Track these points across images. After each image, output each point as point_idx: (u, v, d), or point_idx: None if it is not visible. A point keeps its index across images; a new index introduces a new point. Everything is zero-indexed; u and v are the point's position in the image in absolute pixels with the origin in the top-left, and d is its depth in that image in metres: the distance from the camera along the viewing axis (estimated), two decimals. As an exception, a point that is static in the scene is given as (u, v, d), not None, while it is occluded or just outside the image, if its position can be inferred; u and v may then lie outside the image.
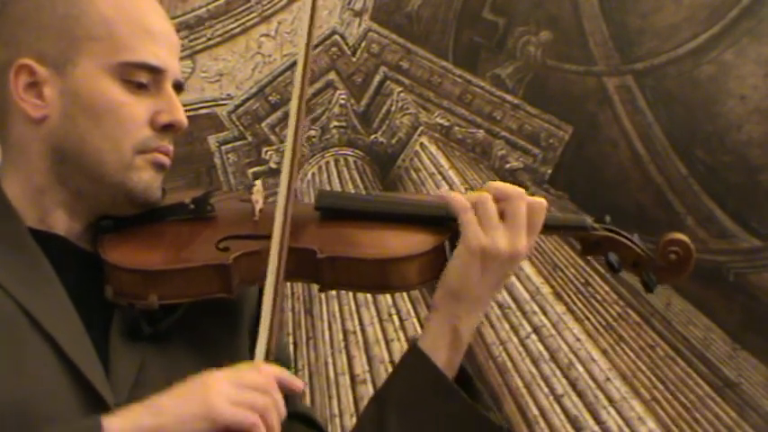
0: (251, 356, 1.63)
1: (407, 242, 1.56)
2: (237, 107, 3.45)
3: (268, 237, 1.52)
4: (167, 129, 1.57)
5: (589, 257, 1.73)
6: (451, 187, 3.31)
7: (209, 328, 1.61)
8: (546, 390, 3.12)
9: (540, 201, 1.60)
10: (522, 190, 1.59)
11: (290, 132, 1.54)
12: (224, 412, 1.39)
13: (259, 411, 1.40)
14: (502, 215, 1.57)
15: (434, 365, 1.56)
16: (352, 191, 3.29)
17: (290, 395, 1.71)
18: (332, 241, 1.56)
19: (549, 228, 1.62)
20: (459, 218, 1.57)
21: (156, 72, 1.56)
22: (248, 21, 3.45)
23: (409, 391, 1.58)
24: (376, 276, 1.55)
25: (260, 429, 1.39)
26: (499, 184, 1.61)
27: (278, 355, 1.67)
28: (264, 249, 1.50)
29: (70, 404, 1.46)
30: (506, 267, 1.58)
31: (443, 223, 1.60)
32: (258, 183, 1.64)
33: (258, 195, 1.62)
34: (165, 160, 1.58)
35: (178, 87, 1.61)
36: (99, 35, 1.55)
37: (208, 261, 1.52)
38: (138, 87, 1.56)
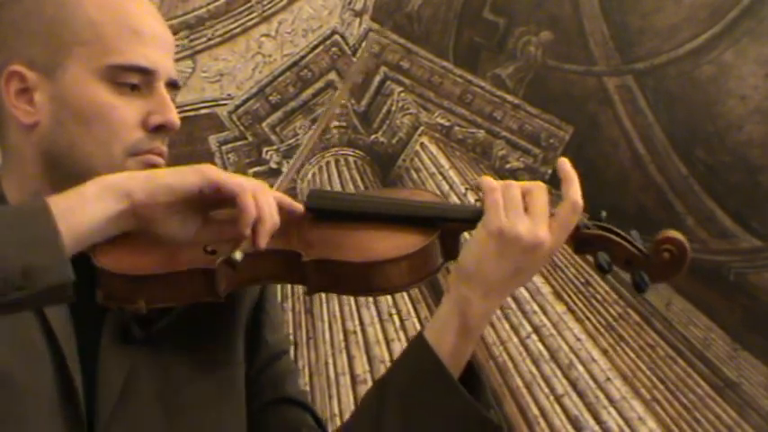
0: (248, 357, 1.64)
1: (393, 244, 1.54)
2: (238, 107, 3.45)
3: None
4: (160, 130, 1.56)
5: (582, 255, 1.68)
6: (452, 187, 3.31)
7: (203, 330, 1.60)
8: (546, 390, 3.12)
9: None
10: (543, 185, 1.55)
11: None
12: (215, 172, 1.43)
13: (251, 188, 1.43)
14: (526, 209, 1.52)
15: (436, 356, 1.52)
16: (352, 190, 3.28)
17: (286, 380, 1.70)
18: (318, 244, 1.54)
19: None
20: (485, 197, 1.53)
21: (146, 73, 1.55)
22: (249, 21, 3.45)
23: (409, 381, 1.55)
24: (360, 279, 1.53)
25: (248, 197, 1.42)
26: (524, 183, 1.57)
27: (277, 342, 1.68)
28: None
29: (48, 382, 1.47)
30: (528, 257, 1.52)
31: (433, 223, 1.57)
32: None
33: None
34: (159, 161, 1.56)
35: (173, 85, 1.60)
36: (86, 39, 1.54)
37: (194, 265, 1.50)
38: (130, 89, 1.55)
